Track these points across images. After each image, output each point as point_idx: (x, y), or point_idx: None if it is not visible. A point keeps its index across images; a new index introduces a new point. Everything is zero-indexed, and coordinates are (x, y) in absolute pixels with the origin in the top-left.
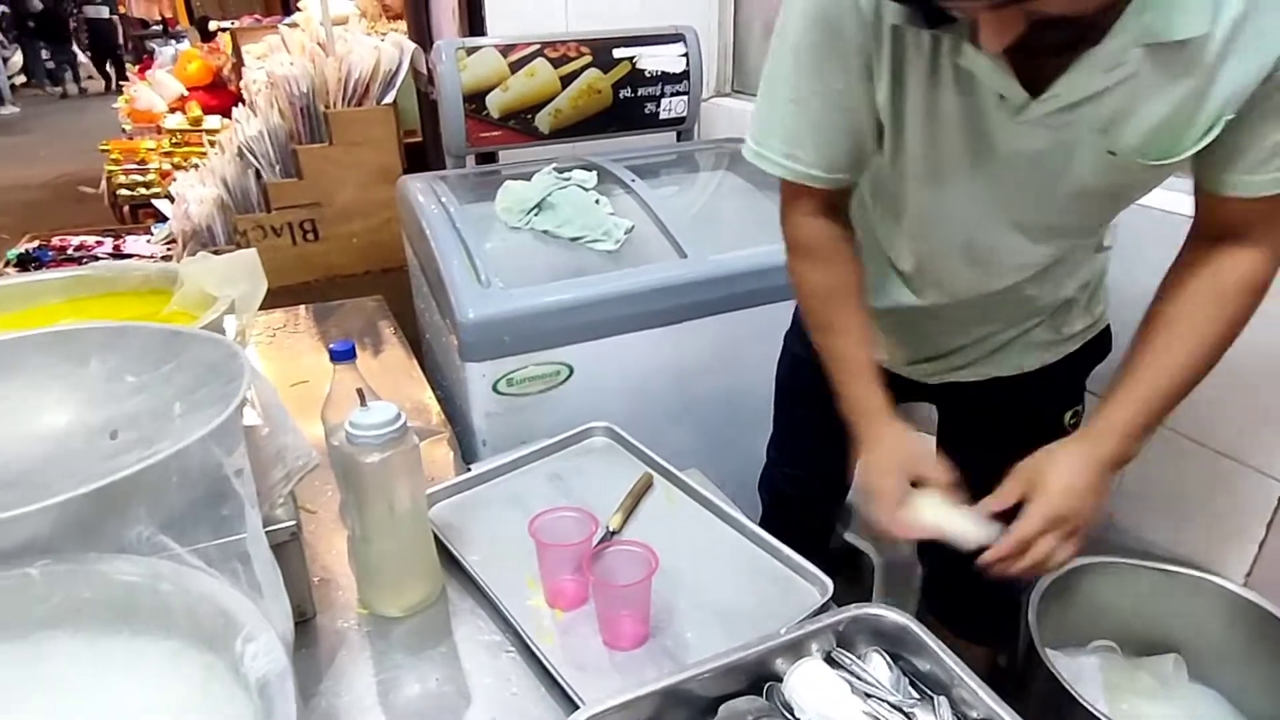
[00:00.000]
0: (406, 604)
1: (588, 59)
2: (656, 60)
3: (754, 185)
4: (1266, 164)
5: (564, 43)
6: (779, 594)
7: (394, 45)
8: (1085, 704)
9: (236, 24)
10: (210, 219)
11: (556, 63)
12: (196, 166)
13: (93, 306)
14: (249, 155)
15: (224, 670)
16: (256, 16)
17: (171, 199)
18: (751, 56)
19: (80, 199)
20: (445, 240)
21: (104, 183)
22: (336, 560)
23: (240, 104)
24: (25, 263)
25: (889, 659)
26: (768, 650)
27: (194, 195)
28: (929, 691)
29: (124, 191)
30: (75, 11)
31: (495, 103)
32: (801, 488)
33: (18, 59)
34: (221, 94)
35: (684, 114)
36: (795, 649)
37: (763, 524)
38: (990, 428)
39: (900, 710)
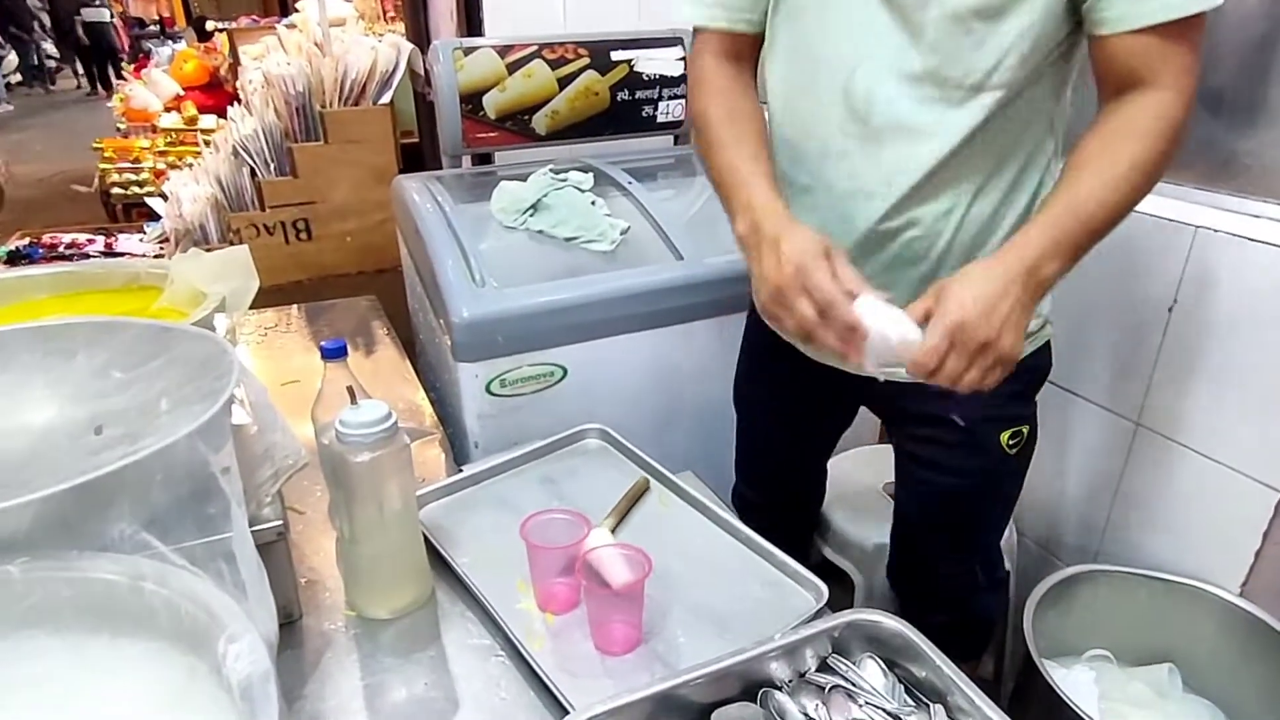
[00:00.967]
0: (395, 606)
1: (585, 61)
2: (654, 63)
3: None
4: None
5: (562, 44)
6: (773, 599)
7: (391, 46)
8: (1082, 715)
9: (234, 24)
10: (203, 217)
11: (554, 64)
12: (191, 166)
13: (81, 302)
14: (244, 154)
15: (206, 672)
16: (254, 17)
17: (165, 198)
18: None
19: (73, 197)
20: (440, 239)
21: (97, 181)
22: (324, 561)
23: (236, 103)
24: (15, 259)
25: (884, 665)
26: (762, 656)
27: (187, 194)
28: (924, 699)
29: (117, 190)
30: (74, 14)
31: (492, 103)
32: (765, 512)
33: (13, 58)
34: (218, 94)
35: (681, 117)
36: (790, 655)
37: None
38: (928, 444)
39: (896, 717)
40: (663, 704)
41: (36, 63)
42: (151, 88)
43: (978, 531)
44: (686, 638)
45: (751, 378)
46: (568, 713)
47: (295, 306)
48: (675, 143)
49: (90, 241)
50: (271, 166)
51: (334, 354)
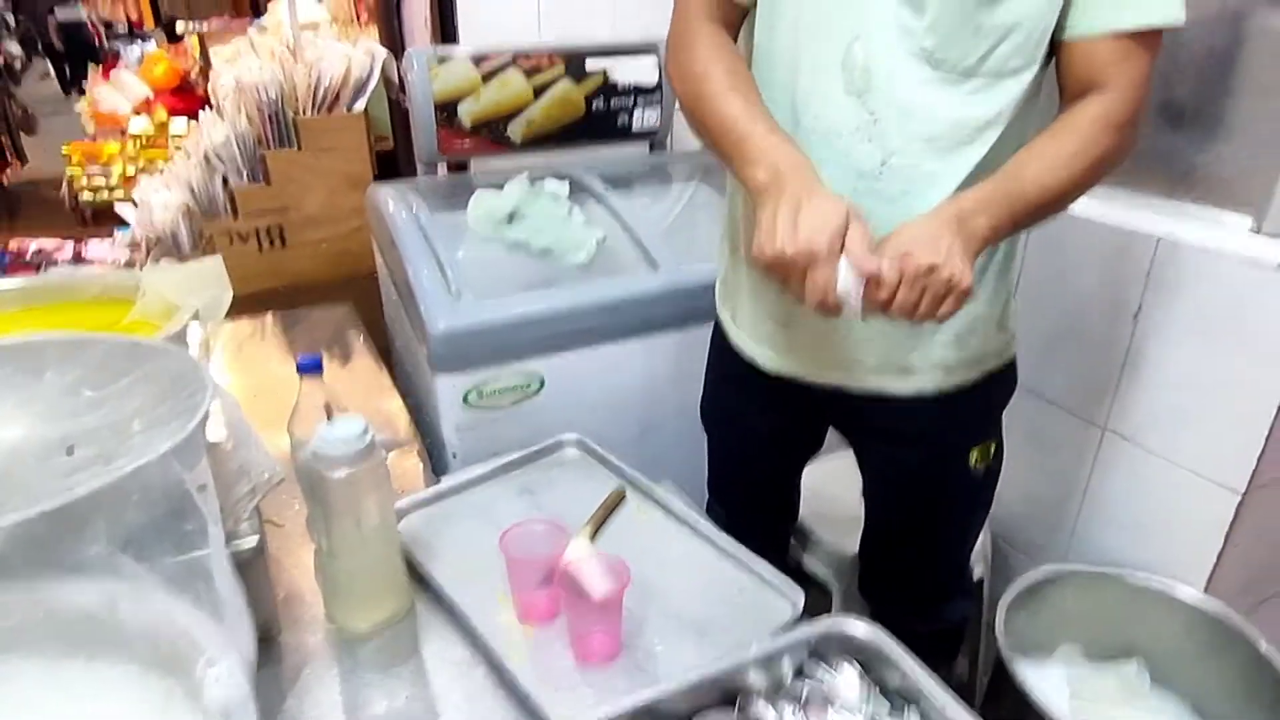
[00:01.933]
0: (374, 620)
1: (560, 70)
2: (629, 72)
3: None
4: (1102, 5)
5: (537, 53)
6: (750, 605)
7: (365, 52)
8: (1050, 716)
9: (205, 26)
10: (175, 225)
11: (529, 73)
12: (162, 171)
13: (51, 316)
14: (216, 160)
15: (184, 695)
16: (225, 18)
17: (135, 204)
18: None
19: (41, 202)
20: (415, 249)
21: (65, 186)
22: (303, 575)
23: (208, 107)
24: None
25: (861, 670)
26: (740, 665)
27: (159, 200)
28: (901, 702)
29: (86, 195)
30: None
31: (467, 112)
32: (739, 528)
33: None
34: (188, 97)
35: (656, 125)
36: (768, 662)
37: None
38: (895, 464)
39: None
40: (642, 715)
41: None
42: (120, 90)
43: (947, 546)
44: (665, 646)
45: (716, 398)
46: None
47: (270, 315)
48: (651, 150)
49: (58, 248)
50: (244, 173)
51: (310, 369)
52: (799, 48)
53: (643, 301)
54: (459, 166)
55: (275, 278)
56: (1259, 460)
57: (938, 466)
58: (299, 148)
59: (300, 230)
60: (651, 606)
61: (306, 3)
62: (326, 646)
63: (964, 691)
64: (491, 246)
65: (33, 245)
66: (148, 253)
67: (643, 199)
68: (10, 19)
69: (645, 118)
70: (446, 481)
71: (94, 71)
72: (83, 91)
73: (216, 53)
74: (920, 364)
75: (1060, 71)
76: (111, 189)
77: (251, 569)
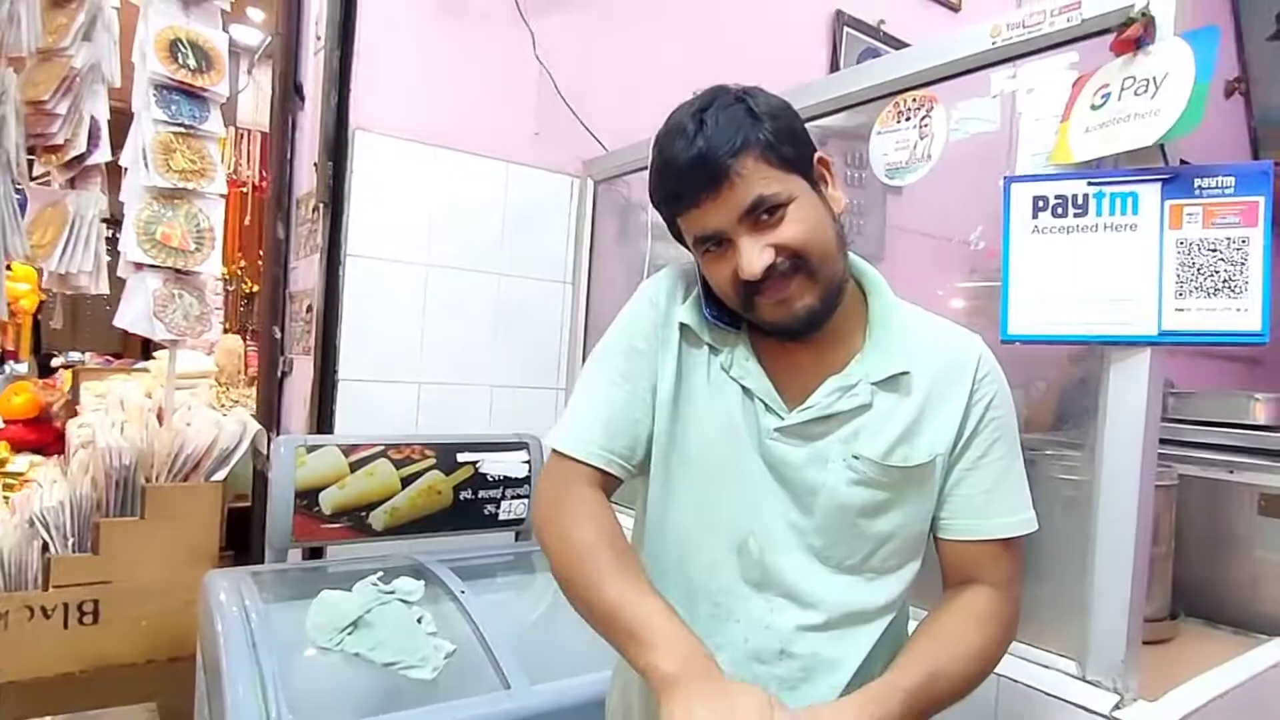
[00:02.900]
0: None
1: (431, 461)
2: (500, 465)
3: None
4: (982, 511)
5: (409, 445)
6: None
7: (237, 423)
8: None
9: (83, 360)
10: None
11: (399, 464)
12: None
13: None
14: (39, 526)
15: None
16: (108, 358)
17: None
18: None
19: None
20: (236, 660)
21: None
22: None
23: (57, 455)
24: None
25: None
26: None
27: None
28: None
29: None
30: None
31: (329, 500)
32: None
33: None
34: (44, 429)
35: (524, 515)
36: None
37: None
38: None
39: None
40: None
41: None
42: None
43: None
44: None
45: None
46: None
47: None
48: (516, 539)
49: None
50: (70, 542)
51: None
52: (695, 534)
53: None
54: (315, 550)
55: (77, 660)
56: None
57: None
58: (141, 516)
59: (121, 604)
60: None
61: (195, 355)
62: None
63: None
64: (328, 660)
65: None
66: None
67: (502, 594)
68: None
69: (513, 508)
70: None
71: None
72: None
73: (89, 388)
74: None
75: (943, 560)
76: None
77: None
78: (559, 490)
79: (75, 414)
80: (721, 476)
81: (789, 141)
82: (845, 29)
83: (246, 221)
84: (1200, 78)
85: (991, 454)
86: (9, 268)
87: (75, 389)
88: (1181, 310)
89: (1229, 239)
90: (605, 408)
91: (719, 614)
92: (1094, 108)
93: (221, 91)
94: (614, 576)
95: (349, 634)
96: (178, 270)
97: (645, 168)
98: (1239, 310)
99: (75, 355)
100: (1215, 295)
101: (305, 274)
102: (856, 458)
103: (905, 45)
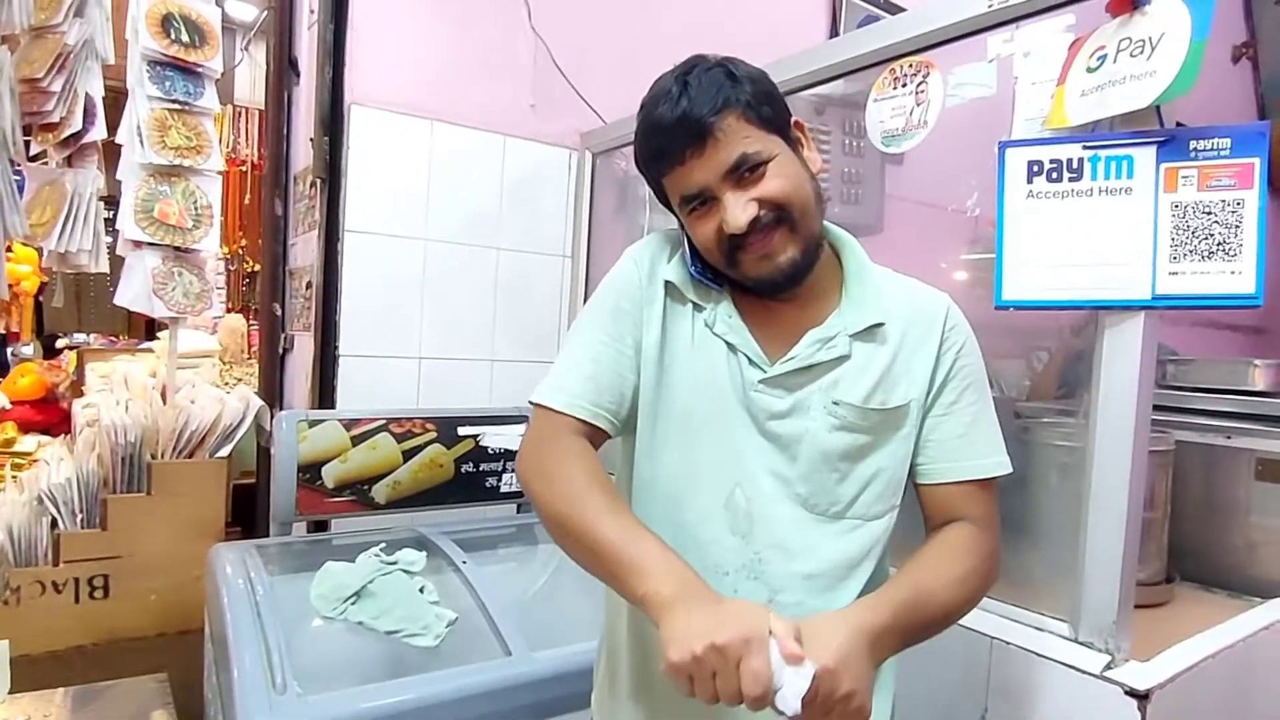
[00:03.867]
0: None
1: (433, 435)
2: (500, 438)
3: None
4: (958, 453)
5: (410, 419)
6: None
7: (240, 399)
8: None
9: (88, 341)
10: None
11: (400, 437)
12: None
13: None
14: (48, 502)
15: None
16: (112, 339)
17: None
18: None
19: None
20: (242, 630)
21: None
22: None
23: (65, 435)
24: None
25: None
26: None
27: None
28: None
29: None
30: None
31: (332, 474)
32: None
33: None
34: (50, 410)
35: None
36: None
37: None
38: None
39: None
40: None
41: None
42: None
43: None
44: None
45: None
46: None
47: (61, 693)
48: (518, 511)
49: None
50: (79, 518)
51: None
52: (683, 489)
53: (491, 695)
54: (319, 523)
55: (88, 633)
56: None
57: None
58: (148, 492)
59: (130, 579)
60: None
61: (198, 334)
62: None
63: None
64: (332, 629)
65: None
66: None
67: (503, 565)
68: None
69: (514, 481)
70: None
71: None
72: None
73: (94, 369)
74: None
75: (924, 504)
76: None
77: None
78: (543, 435)
79: (80, 394)
80: (706, 430)
81: (768, 103)
82: None
83: (246, 200)
84: (1196, 36)
85: (963, 400)
86: (9, 249)
87: (80, 370)
88: (1175, 274)
89: (1224, 201)
90: (591, 364)
91: (707, 566)
92: (1090, 70)
93: (215, 67)
94: (606, 515)
95: (352, 604)
96: (176, 248)
97: None
98: (1233, 273)
99: (80, 337)
100: (1209, 258)
101: (304, 250)
102: (837, 404)
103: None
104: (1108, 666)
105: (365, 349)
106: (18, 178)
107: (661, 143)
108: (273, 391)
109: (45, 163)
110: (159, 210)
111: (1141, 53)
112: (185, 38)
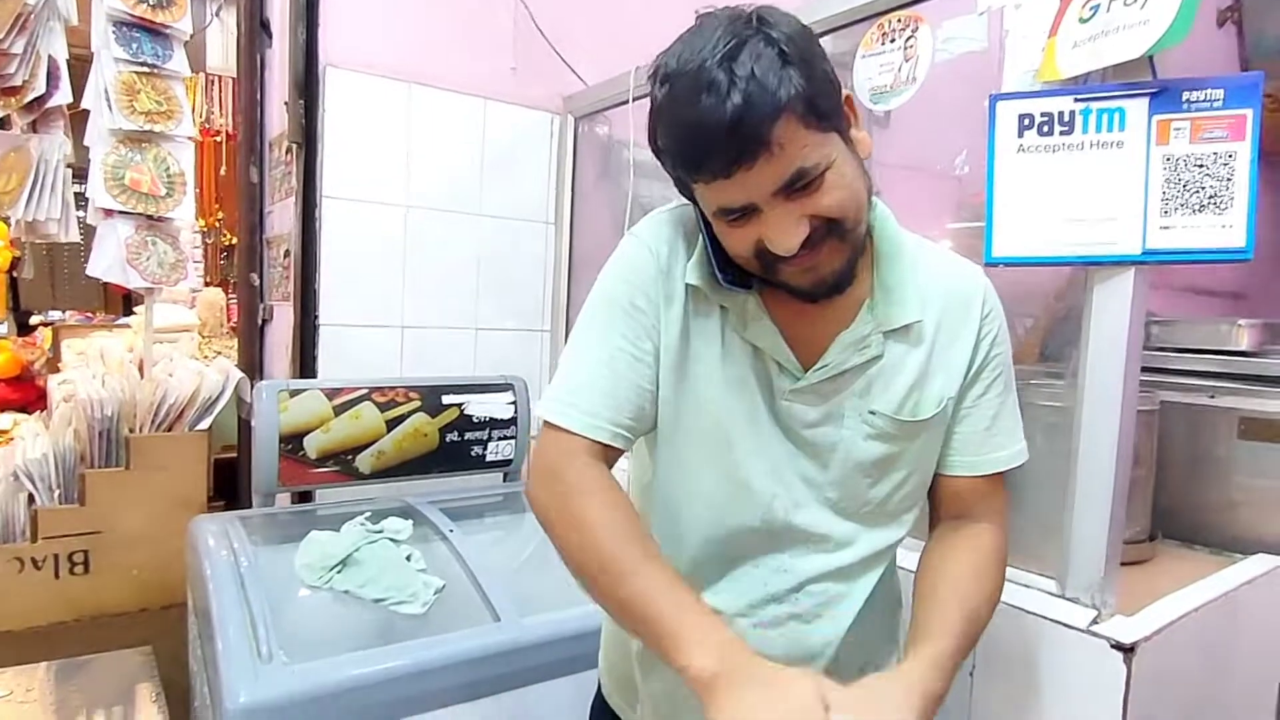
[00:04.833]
0: None
1: (417, 404)
2: (485, 407)
3: None
4: (979, 448)
5: (393, 388)
6: None
7: (219, 372)
8: None
9: (63, 318)
10: None
11: (384, 406)
12: None
13: None
14: (24, 479)
15: None
16: (88, 314)
17: None
18: None
19: None
20: (226, 601)
21: None
22: None
23: (39, 411)
24: None
25: None
26: None
27: None
28: None
29: None
30: None
31: (314, 444)
32: None
33: None
34: (25, 388)
35: (511, 456)
36: None
37: None
38: None
39: None
40: None
41: None
42: None
43: None
44: None
45: None
46: None
47: (44, 667)
48: (505, 480)
49: None
50: (56, 493)
51: None
52: (715, 497)
53: (481, 661)
54: (303, 495)
55: (69, 609)
56: None
57: None
58: (127, 467)
59: (111, 554)
60: None
61: (176, 309)
62: None
63: None
64: (318, 598)
65: None
66: None
67: (490, 534)
68: None
69: (500, 449)
70: None
71: None
72: None
73: (70, 345)
74: None
75: (936, 495)
76: None
77: None
78: (561, 474)
79: (57, 371)
80: (743, 444)
81: (824, 91)
82: None
83: (222, 172)
84: None
85: (991, 391)
86: None
87: (56, 347)
88: (1166, 228)
89: (1216, 154)
90: (608, 375)
91: (738, 560)
92: (1082, 20)
93: (184, 28)
94: (641, 572)
95: (338, 572)
96: (149, 216)
97: (626, 102)
98: (1224, 226)
99: (55, 314)
100: (1200, 212)
101: (281, 218)
102: (873, 413)
103: None
104: (1094, 621)
105: (346, 318)
106: None
107: (703, 151)
108: (252, 363)
109: (9, 129)
110: (130, 178)
111: (1135, 1)
112: None
